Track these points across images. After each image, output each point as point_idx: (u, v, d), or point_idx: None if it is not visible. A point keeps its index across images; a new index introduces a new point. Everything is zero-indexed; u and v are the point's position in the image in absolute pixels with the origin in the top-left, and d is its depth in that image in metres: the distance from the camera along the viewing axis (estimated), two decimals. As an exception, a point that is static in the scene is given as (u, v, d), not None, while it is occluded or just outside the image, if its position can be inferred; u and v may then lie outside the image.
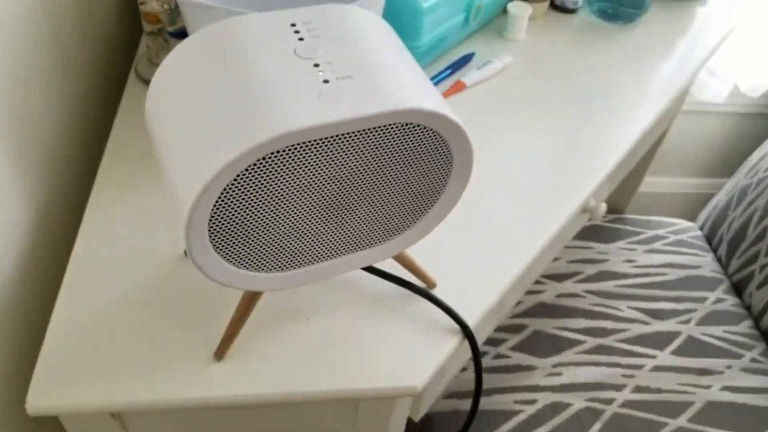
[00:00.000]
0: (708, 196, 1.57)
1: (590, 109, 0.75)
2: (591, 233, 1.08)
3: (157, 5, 0.68)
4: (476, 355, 0.53)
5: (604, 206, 0.77)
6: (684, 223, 1.13)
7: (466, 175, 0.45)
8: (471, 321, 0.53)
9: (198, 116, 0.38)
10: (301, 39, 0.41)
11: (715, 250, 1.10)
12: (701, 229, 1.14)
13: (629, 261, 1.04)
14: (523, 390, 0.86)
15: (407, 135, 0.40)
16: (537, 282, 0.99)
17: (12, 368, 0.56)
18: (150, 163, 0.63)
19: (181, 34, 0.70)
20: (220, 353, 0.49)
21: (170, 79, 0.41)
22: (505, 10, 0.82)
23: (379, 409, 0.54)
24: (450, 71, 0.76)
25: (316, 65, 0.39)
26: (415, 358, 0.51)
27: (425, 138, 0.41)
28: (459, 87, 0.74)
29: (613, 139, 0.71)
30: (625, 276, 1.01)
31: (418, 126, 0.40)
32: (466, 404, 0.84)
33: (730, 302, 1.00)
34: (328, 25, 0.42)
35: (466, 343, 0.53)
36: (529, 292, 0.97)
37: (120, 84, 0.82)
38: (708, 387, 0.89)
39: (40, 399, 0.46)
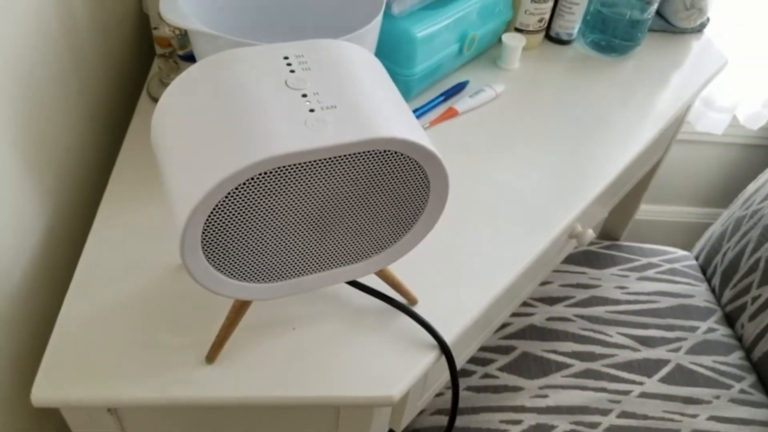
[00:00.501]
0: (707, 225, 1.59)
1: (580, 139, 0.78)
2: (585, 259, 1.10)
3: (169, 31, 0.72)
4: (453, 370, 0.56)
5: (590, 232, 0.79)
6: (679, 252, 1.15)
7: (443, 200, 0.48)
8: (449, 338, 0.56)
9: (195, 138, 0.42)
10: (292, 71, 0.44)
11: (709, 280, 1.11)
12: (696, 258, 1.16)
13: (621, 287, 1.06)
14: (509, 410, 0.87)
15: (386, 161, 0.43)
16: (528, 305, 1.01)
17: (21, 362, 0.60)
18: (156, 177, 0.67)
19: (190, 58, 0.74)
20: (211, 357, 0.53)
21: (173, 103, 0.45)
22: (500, 40, 0.86)
23: (359, 417, 0.57)
24: (443, 98, 0.79)
25: (304, 95, 0.43)
26: (394, 370, 0.53)
27: (403, 165, 0.44)
28: (451, 113, 0.78)
29: (600, 168, 0.74)
30: (617, 302, 1.03)
31: (396, 153, 0.43)
32: (452, 421, 0.86)
33: (722, 332, 1.02)
34: (319, 58, 0.46)
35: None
36: (520, 315, 1.00)
37: (132, 102, 0.87)
38: (695, 416, 0.90)
39: (44, 392, 0.50)
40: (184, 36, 0.73)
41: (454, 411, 0.58)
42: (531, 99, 0.83)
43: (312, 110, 0.42)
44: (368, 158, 0.43)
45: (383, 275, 0.55)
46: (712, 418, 0.90)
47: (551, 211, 0.68)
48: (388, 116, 0.43)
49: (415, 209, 0.48)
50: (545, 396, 0.89)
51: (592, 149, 0.76)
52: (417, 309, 0.58)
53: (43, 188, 0.63)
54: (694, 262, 1.14)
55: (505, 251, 0.63)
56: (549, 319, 0.99)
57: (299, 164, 0.40)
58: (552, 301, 1.02)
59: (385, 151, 0.43)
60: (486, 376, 0.91)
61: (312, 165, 0.41)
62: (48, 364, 0.51)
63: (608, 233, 1.21)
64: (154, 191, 0.66)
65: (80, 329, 0.54)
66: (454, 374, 0.56)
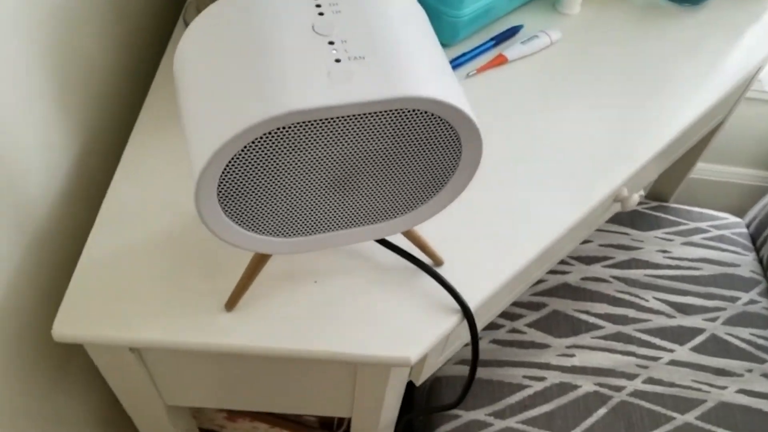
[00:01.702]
0: (765, 189, 1.50)
1: (638, 96, 0.72)
2: (629, 219, 1.05)
3: (208, -45, 0.69)
4: (474, 336, 0.55)
5: (636, 197, 0.75)
6: (730, 218, 1.09)
7: (475, 163, 0.45)
8: (473, 303, 0.54)
9: (213, 83, 0.40)
10: (321, 14, 0.41)
11: (758, 250, 1.06)
12: (748, 226, 1.10)
13: (664, 251, 1.02)
14: (533, 366, 0.87)
15: (415, 121, 0.40)
16: (564, 262, 0.98)
17: (45, 297, 0.61)
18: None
19: (230, -15, 0.71)
20: (230, 304, 0.52)
21: (197, 38, 0.42)
22: (561, -17, 0.79)
23: (377, 375, 0.56)
24: (493, 43, 0.74)
25: (331, 43, 0.39)
26: (413, 331, 0.52)
27: (434, 125, 0.41)
28: (500, 60, 0.73)
29: (655, 131, 0.69)
30: (657, 266, 0.99)
31: (426, 113, 0.40)
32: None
33: (764, 305, 0.97)
34: (352, 1, 0.42)
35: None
36: (555, 272, 0.97)
37: (168, 31, 0.84)
38: (723, 388, 0.88)
39: (65, 327, 0.50)
40: (222, -37, 0.69)
41: (472, 375, 0.58)
42: (589, 49, 0.77)
43: (338, 60, 0.39)
44: (395, 117, 0.40)
45: (408, 235, 0.53)
46: (741, 391, 0.88)
47: (597, 174, 0.64)
48: (420, 72, 0.40)
49: (445, 171, 0.45)
50: (572, 355, 0.88)
51: (649, 109, 0.71)
52: (443, 270, 0.56)
53: (72, 120, 0.63)
54: (744, 230, 1.08)
55: (543, 216, 0.60)
56: (584, 278, 0.96)
57: (319, 120, 0.38)
58: (589, 260, 0.99)
59: (413, 110, 0.40)
60: (513, 330, 0.90)
61: (334, 121, 0.38)
62: (70, 300, 0.52)
63: (658, 193, 1.15)
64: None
65: (103, 266, 0.54)
66: (476, 340, 0.55)
